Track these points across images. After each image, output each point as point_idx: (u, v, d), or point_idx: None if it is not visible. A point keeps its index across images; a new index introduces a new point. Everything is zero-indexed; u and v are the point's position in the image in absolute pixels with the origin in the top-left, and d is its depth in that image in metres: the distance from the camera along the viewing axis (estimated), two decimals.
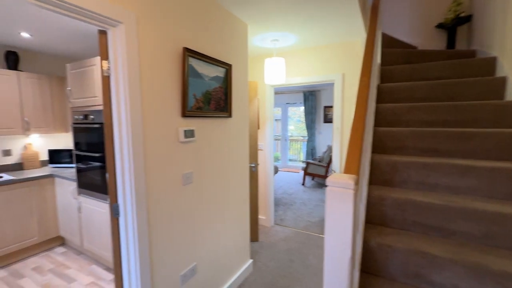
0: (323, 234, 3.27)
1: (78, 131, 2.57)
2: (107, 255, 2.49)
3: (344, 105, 2.95)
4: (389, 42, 3.32)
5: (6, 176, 2.68)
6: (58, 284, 2.34)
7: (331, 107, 6.80)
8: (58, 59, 3.42)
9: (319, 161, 5.87)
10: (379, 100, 2.22)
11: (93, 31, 2.38)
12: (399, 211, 1.40)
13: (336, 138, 3.04)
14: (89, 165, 2.50)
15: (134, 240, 1.37)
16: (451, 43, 3.25)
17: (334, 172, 3.12)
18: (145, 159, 1.40)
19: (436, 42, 3.47)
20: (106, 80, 1.32)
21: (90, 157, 2.46)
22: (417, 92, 2.09)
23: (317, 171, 5.56)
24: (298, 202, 4.59)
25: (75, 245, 2.86)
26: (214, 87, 1.84)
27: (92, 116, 2.38)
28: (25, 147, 3.17)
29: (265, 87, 3.38)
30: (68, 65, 2.53)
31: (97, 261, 2.70)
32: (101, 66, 1.31)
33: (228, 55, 2.01)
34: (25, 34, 2.51)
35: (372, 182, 1.64)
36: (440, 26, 3.35)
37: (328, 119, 6.93)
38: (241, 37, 2.17)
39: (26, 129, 2.93)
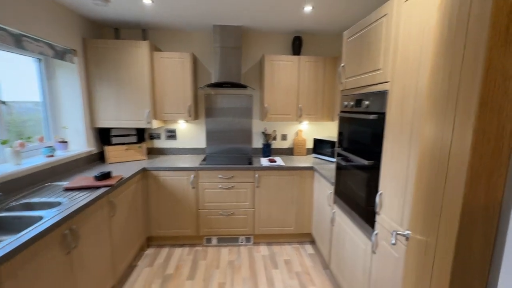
0: None
1: (344, 122, 1.91)
2: None
3: None
4: None
5: (279, 161, 2.78)
6: None
7: None
8: (335, 38, 3.04)
9: None
10: None
11: None
12: None
13: None
14: (351, 171, 1.77)
15: None
16: None
17: None
18: None
19: None
20: None
21: (354, 160, 1.70)
22: None
23: None
24: None
25: (322, 253, 2.43)
26: None
27: (366, 102, 1.55)
28: (297, 133, 3.24)
29: None
30: (345, 33, 1.88)
31: None
32: None
33: None
34: (307, 8, 2.20)
35: None
36: None
37: None
38: None
39: (299, 115, 2.87)
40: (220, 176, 2.60)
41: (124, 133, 2.80)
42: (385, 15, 1.37)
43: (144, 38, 2.87)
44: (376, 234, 1.44)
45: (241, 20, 2.53)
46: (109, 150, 2.67)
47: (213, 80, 3.03)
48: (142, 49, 2.52)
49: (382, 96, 1.39)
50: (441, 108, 0.57)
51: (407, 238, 1.08)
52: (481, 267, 0.33)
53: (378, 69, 1.44)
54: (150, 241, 2.73)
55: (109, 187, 1.86)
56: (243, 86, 2.72)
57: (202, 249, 2.68)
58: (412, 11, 1.15)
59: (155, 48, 2.73)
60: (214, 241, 2.76)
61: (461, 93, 0.38)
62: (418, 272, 0.70)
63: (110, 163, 2.66)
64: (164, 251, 2.63)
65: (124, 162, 2.73)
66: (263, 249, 2.69)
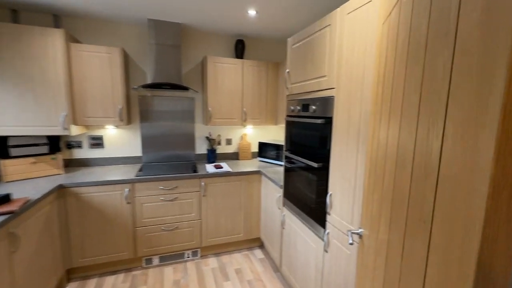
0: None
1: (291, 126, 1.96)
2: None
3: None
4: None
5: (225, 167, 2.68)
6: None
7: None
8: (277, 44, 3.14)
9: None
10: None
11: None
12: None
13: None
14: (300, 173, 1.82)
15: None
16: None
17: None
18: None
19: None
20: None
21: (303, 163, 1.76)
22: None
23: None
24: None
25: (273, 257, 2.44)
26: None
27: (313, 107, 1.62)
28: (241, 138, 3.20)
29: None
30: (289, 40, 1.94)
31: None
32: None
33: None
34: (252, 12, 2.19)
35: None
36: None
37: None
38: None
39: (244, 119, 2.84)
40: (161, 187, 2.33)
41: (30, 142, 2.22)
42: (328, 25, 1.45)
43: (57, 25, 2.35)
44: (328, 233, 1.50)
45: (180, 17, 2.34)
46: (7, 165, 2.07)
47: (148, 81, 2.71)
48: (53, 38, 2.05)
49: (328, 101, 1.47)
50: (411, 114, 0.59)
51: (360, 236, 1.15)
52: (503, 280, 0.33)
53: (323, 76, 1.52)
54: (72, 274, 2.23)
55: (9, 215, 1.42)
56: (184, 88, 2.52)
57: (142, 272, 2.35)
58: (355, 22, 1.24)
59: (72, 39, 2.27)
60: (156, 260, 2.45)
61: (458, 103, 0.38)
62: (391, 273, 0.72)
63: (8, 182, 2.06)
64: (92, 283, 2.19)
65: (30, 179, 2.16)
66: (211, 262, 2.54)
